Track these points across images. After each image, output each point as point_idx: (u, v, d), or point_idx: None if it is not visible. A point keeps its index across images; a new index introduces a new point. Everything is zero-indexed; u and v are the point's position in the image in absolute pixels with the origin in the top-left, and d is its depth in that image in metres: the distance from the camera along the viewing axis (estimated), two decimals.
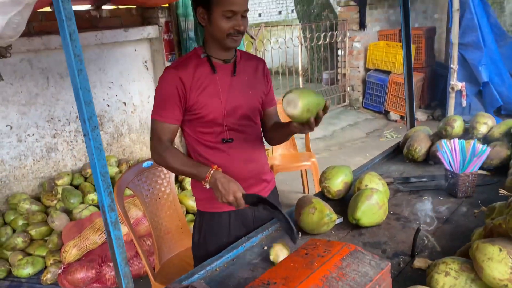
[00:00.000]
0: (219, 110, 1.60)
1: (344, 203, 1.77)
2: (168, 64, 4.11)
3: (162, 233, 2.27)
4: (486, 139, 2.17)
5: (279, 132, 1.71)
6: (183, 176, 3.73)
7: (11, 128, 3.41)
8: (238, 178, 1.67)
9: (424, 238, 1.47)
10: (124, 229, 2.85)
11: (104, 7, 3.95)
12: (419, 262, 1.29)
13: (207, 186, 1.52)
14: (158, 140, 1.60)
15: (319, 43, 6.53)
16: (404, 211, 1.70)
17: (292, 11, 12.24)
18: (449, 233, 1.50)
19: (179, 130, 1.68)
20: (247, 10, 1.55)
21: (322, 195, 1.88)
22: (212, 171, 1.51)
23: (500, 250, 1.02)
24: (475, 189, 1.78)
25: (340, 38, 6.92)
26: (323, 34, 6.54)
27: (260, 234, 1.60)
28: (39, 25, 3.52)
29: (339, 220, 1.65)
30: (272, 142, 1.82)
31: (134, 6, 4.14)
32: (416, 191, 1.87)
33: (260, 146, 1.79)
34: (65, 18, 1.00)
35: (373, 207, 1.56)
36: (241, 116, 1.66)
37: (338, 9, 7.26)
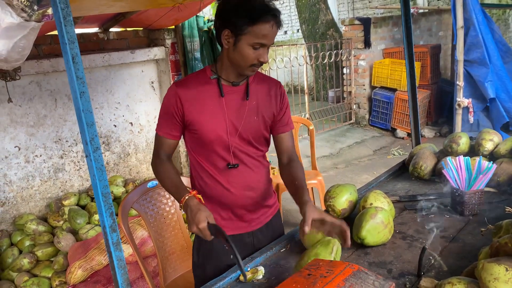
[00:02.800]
0: (222, 132, 1.59)
1: (349, 222, 1.75)
2: None
3: (167, 253, 2.25)
4: (493, 156, 2.14)
5: (291, 193, 1.66)
6: None
7: (19, 149, 3.45)
8: (238, 205, 1.68)
9: (431, 257, 1.44)
10: (130, 249, 2.84)
11: (111, 29, 4.03)
12: (425, 283, 1.26)
13: (182, 212, 1.51)
14: (156, 153, 1.67)
15: (324, 61, 6.57)
16: (410, 230, 1.68)
17: (298, 30, 12.39)
18: (456, 252, 1.48)
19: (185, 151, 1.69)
20: (273, 43, 1.54)
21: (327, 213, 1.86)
22: (187, 197, 1.48)
23: (507, 269, 1.00)
24: (481, 207, 1.76)
25: (345, 57, 6.97)
26: (328, 52, 6.59)
27: (264, 255, 1.58)
28: (48, 48, 3.59)
29: None
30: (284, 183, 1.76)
31: (141, 28, 4.21)
32: (422, 209, 1.84)
33: (264, 173, 1.75)
34: (67, 41, 1.02)
35: (378, 226, 1.54)
36: (245, 142, 1.64)
37: (342, 28, 7.33)
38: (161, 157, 1.65)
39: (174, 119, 1.59)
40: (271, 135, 1.74)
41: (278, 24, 1.49)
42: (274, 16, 1.46)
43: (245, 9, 1.45)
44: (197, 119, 1.58)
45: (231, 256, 1.34)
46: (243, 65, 1.52)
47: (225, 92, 1.59)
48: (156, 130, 1.66)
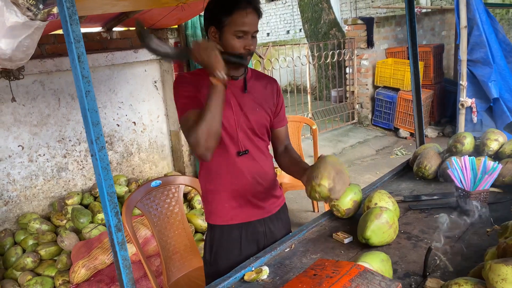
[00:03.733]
0: (229, 119, 1.62)
1: (353, 222, 1.74)
2: None
3: (170, 253, 2.25)
4: (498, 156, 2.13)
5: (292, 169, 1.74)
6: (193, 194, 3.72)
7: (23, 148, 3.45)
8: (249, 192, 1.71)
9: (436, 258, 1.43)
10: (133, 249, 2.84)
11: (114, 29, 4.03)
12: (431, 283, 1.26)
13: (221, 75, 1.41)
14: (188, 130, 1.48)
15: (327, 61, 6.56)
16: (415, 230, 1.67)
17: (300, 30, 12.38)
18: (462, 253, 1.47)
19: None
20: (257, 31, 1.59)
21: (331, 214, 1.86)
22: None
23: None
24: (487, 207, 1.75)
25: (348, 56, 6.96)
26: (331, 52, 6.58)
27: (268, 254, 1.58)
28: (51, 47, 3.59)
29: (349, 239, 1.63)
30: (282, 169, 1.83)
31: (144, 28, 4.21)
32: (427, 210, 1.84)
33: (269, 162, 1.80)
34: (73, 40, 1.02)
35: (382, 226, 1.53)
36: (250, 131, 1.68)
37: (345, 28, 7.32)
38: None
39: (196, 93, 1.55)
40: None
41: (256, 10, 1.56)
42: (248, 3, 1.52)
43: (221, 2, 1.55)
44: None
45: None
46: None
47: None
48: (180, 115, 1.55)
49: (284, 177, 3.87)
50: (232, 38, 1.54)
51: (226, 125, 1.62)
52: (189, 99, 1.55)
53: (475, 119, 5.56)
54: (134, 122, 4.17)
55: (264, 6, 14.14)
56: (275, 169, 1.92)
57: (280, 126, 1.81)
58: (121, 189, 3.69)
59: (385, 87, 6.87)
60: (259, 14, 1.57)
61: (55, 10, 1.26)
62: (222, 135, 1.62)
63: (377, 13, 10.34)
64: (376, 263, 1.28)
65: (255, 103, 1.69)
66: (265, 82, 1.77)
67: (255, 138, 1.71)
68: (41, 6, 1.22)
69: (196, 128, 1.42)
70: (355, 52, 6.99)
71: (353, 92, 7.25)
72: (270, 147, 1.84)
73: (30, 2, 1.19)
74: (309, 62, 6.55)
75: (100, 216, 3.34)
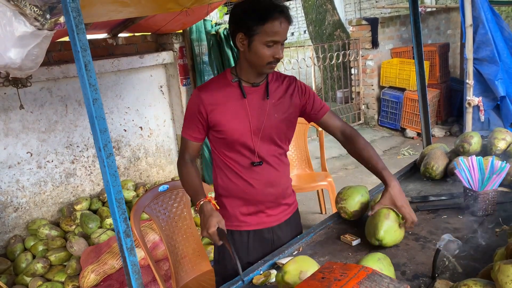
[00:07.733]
0: (246, 132, 1.63)
1: (361, 224, 1.74)
2: (183, 88, 4.20)
3: (179, 257, 2.26)
4: (506, 155, 2.12)
5: (368, 167, 1.74)
6: None
7: (31, 155, 3.49)
8: (259, 201, 1.72)
9: (445, 259, 1.43)
10: (141, 253, 2.86)
11: (120, 35, 4.06)
12: (440, 284, 1.25)
13: (196, 214, 1.58)
14: (181, 154, 1.74)
15: (332, 62, 6.55)
16: (423, 231, 1.67)
17: (305, 32, 12.38)
18: (471, 253, 1.46)
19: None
20: (286, 39, 1.58)
21: (338, 216, 1.86)
22: (202, 202, 1.56)
23: None
24: (495, 207, 1.74)
25: (353, 57, 6.94)
26: (335, 53, 6.57)
27: (276, 257, 1.58)
28: (58, 54, 3.62)
29: (357, 241, 1.63)
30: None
31: (149, 33, 4.24)
32: (435, 210, 1.83)
33: (285, 170, 1.79)
34: (80, 49, 1.04)
35: (393, 225, 1.54)
36: (268, 140, 1.68)
37: (350, 29, 7.31)
38: (185, 159, 1.71)
39: (198, 122, 1.65)
40: (317, 124, 1.80)
41: (288, 19, 1.54)
42: (281, 13, 1.51)
43: (253, 10, 1.52)
44: (222, 121, 1.62)
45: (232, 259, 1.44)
46: (260, 64, 1.58)
47: (246, 92, 1.64)
48: (182, 130, 1.72)
49: (296, 180, 3.87)
50: (262, 47, 1.53)
51: (242, 139, 1.63)
52: (192, 125, 1.67)
53: (482, 118, 5.52)
54: (141, 127, 4.20)
55: None
56: None
57: (321, 115, 1.76)
58: (129, 194, 3.71)
59: (391, 87, 6.84)
60: (290, 22, 1.55)
61: (61, 19, 1.28)
62: (237, 148, 1.65)
63: (381, 13, 10.31)
64: (374, 263, 1.28)
65: (276, 109, 1.67)
66: (287, 83, 1.74)
67: (273, 146, 1.70)
68: (48, 16, 1.24)
69: (180, 174, 1.72)
70: (360, 52, 6.97)
71: (358, 92, 7.24)
72: (288, 152, 1.84)
73: (38, 12, 1.21)
74: (314, 64, 6.55)
75: (109, 221, 3.36)
